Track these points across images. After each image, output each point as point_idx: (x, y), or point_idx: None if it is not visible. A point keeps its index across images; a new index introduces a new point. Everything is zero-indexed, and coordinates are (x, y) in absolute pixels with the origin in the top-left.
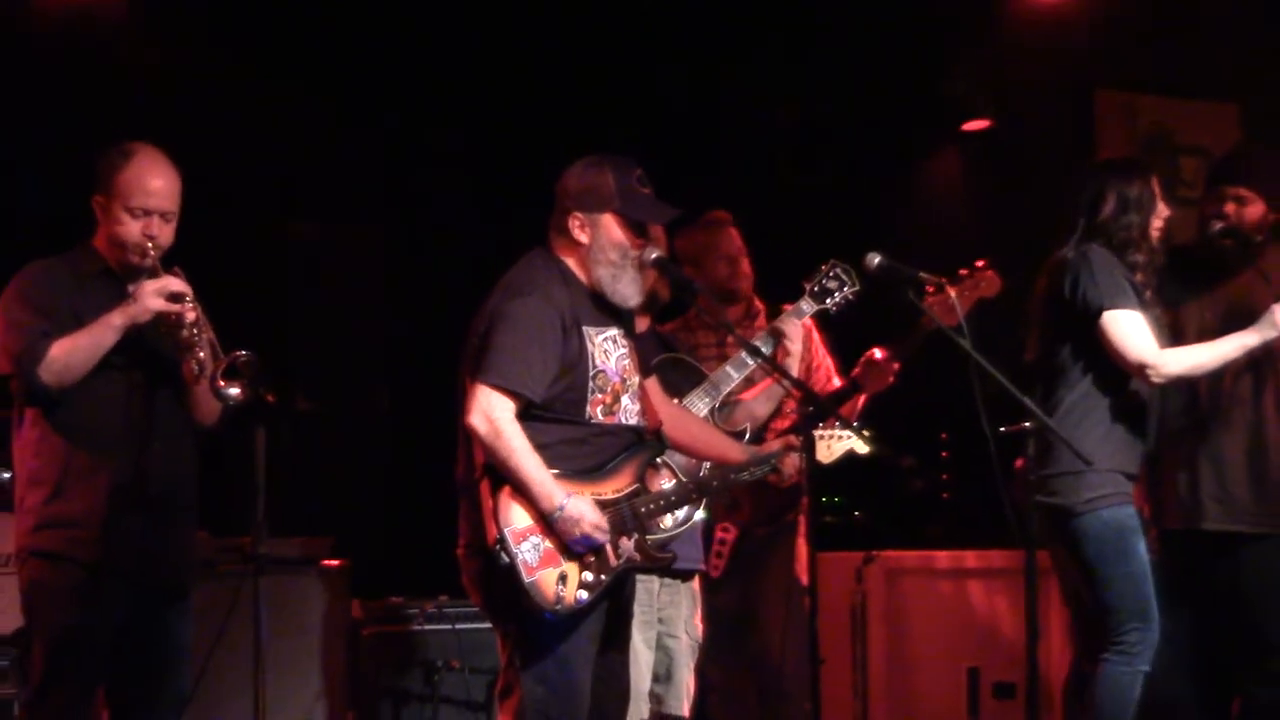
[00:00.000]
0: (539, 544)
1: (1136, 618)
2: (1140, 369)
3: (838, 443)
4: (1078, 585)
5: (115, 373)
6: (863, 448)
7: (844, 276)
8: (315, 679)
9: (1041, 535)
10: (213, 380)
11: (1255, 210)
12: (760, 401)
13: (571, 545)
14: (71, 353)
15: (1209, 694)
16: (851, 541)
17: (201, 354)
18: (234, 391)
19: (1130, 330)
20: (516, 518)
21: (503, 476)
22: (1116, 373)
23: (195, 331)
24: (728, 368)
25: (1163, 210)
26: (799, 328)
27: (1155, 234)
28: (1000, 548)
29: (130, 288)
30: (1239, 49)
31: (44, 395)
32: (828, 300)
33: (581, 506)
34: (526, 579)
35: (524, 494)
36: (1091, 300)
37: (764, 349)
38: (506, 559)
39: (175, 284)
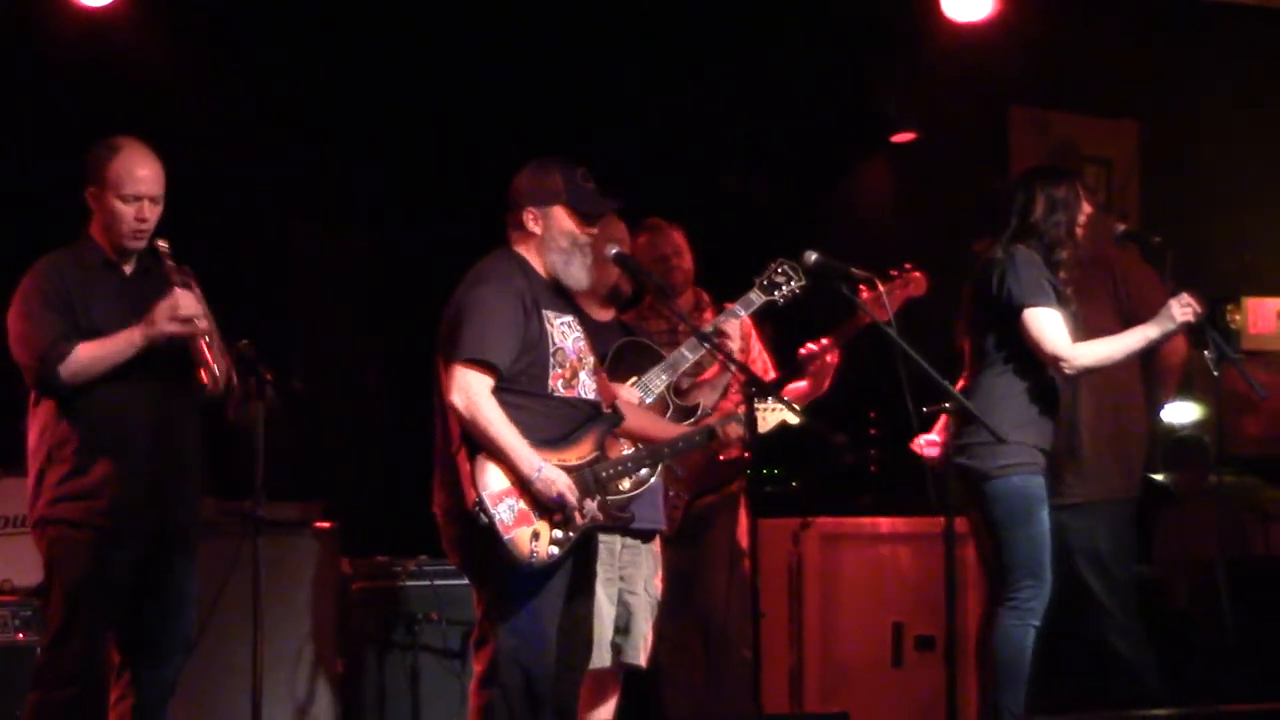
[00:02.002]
0: (514, 505)
1: (1030, 576)
2: (1055, 361)
3: (771, 414)
4: (984, 544)
5: (127, 360)
6: (794, 419)
7: (791, 273)
8: (307, 629)
9: (959, 501)
10: (212, 384)
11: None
12: (715, 383)
13: (548, 504)
14: (94, 360)
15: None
16: (789, 509)
17: (215, 366)
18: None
19: (1047, 326)
20: (493, 481)
21: (479, 446)
22: (1032, 360)
23: (207, 340)
24: (683, 349)
25: (1086, 209)
26: (737, 324)
27: (1080, 231)
28: (922, 515)
29: (128, 269)
30: (1138, 72)
31: (59, 390)
32: (775, 293)
33: (555, 470)
34: (504, 536)
35: (503, 460)
36: (1015, 296)
37: (713, 335)
38: (485, 519)
39: (184, 307)
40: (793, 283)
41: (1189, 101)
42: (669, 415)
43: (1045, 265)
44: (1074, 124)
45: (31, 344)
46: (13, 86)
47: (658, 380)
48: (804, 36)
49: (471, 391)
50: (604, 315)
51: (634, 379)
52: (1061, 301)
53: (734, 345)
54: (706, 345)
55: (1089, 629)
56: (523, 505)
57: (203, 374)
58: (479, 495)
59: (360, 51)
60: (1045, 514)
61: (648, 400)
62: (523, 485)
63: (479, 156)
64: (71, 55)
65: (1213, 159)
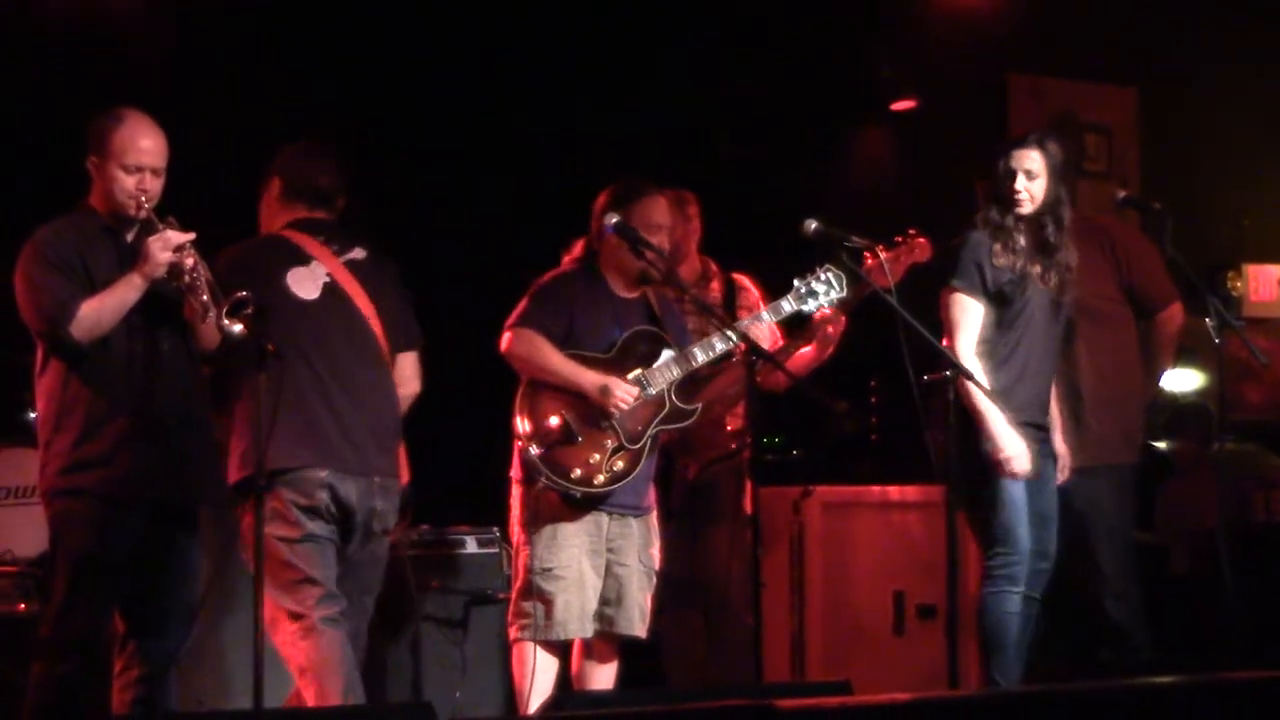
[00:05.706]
0: None
1: (1000, 544)
2: (949, 345)
3: None
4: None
5: (126, 320)
6: None
7: (834, 282)
8: None
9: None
10: (218, 320)
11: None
12: (724, 395)
13: None
14: (101, 311)
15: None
16: (790, 477)
17: (204, 296)
18: (237, 329)
19: (954, 311)
20: None
21: None
22: (999, 334)
23: (195, 275)
24: (696, 350)
25: (1022, 168)
26: (765, 328)
27: (1020, 196)
28: (923, 483)
29: (129, 236)
30: (1137, 38)
31: (75, 350)
32: (810, 302)
33: None
34: None
35: None
36: (947, 273)
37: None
38: None
39: (174, 236)
40: (832, 293)
41: (1189, 68)
42: (663, 415)
43: (1010, 234)
44: (1073, 91)
45: (40, 308)
46: None
47: (662, 377)
48: (805, 5)
49: None
50: (630, 293)
51: (638, 370)
52: (992, 296)
53: (763, 339)
54: (729, 343)
55: (1086, 595)
56: None
57: (193, 304)
58: None
59: (338, 19)
60: (1015, 482)
61: (646, 395)
62: None
63: (475, 127)
64: (63, 32)
65: (1213, 126)
